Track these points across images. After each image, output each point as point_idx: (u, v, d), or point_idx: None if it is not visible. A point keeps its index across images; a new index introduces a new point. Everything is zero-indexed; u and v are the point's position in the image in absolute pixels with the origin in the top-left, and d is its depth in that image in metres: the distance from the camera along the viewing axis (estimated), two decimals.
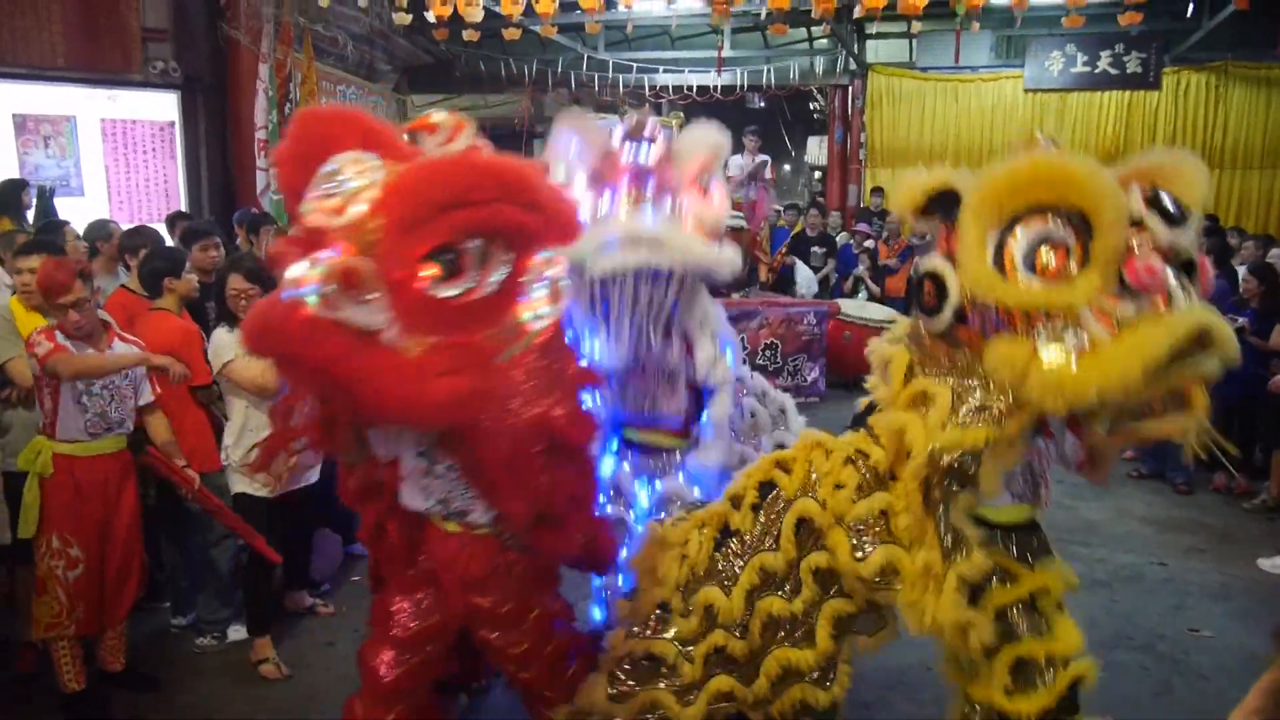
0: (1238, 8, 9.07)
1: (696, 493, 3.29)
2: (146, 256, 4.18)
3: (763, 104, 16.87)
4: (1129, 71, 12.00)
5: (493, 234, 2.13)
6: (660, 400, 3.34)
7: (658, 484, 3.33)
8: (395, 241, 1.98)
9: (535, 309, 2.27)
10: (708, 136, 3.20)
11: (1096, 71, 12.08)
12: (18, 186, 6.59)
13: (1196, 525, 5.78)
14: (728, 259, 3.07)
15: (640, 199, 2.98)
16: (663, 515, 3.26)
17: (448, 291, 2.06)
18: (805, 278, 10.07)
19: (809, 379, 8.71)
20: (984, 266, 2.04)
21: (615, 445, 3.42)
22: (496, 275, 2.17)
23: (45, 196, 6.82)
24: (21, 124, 7.96)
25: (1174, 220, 1.98)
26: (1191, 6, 10.44)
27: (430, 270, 2.02)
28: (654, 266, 2.90)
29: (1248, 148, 12.18)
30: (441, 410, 2.06)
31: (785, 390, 9.16)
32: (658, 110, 13.88)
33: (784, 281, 10.01)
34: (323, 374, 2.00)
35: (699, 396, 3.37)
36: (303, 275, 1.94)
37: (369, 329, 1.99)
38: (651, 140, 3.05)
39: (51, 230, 5.02)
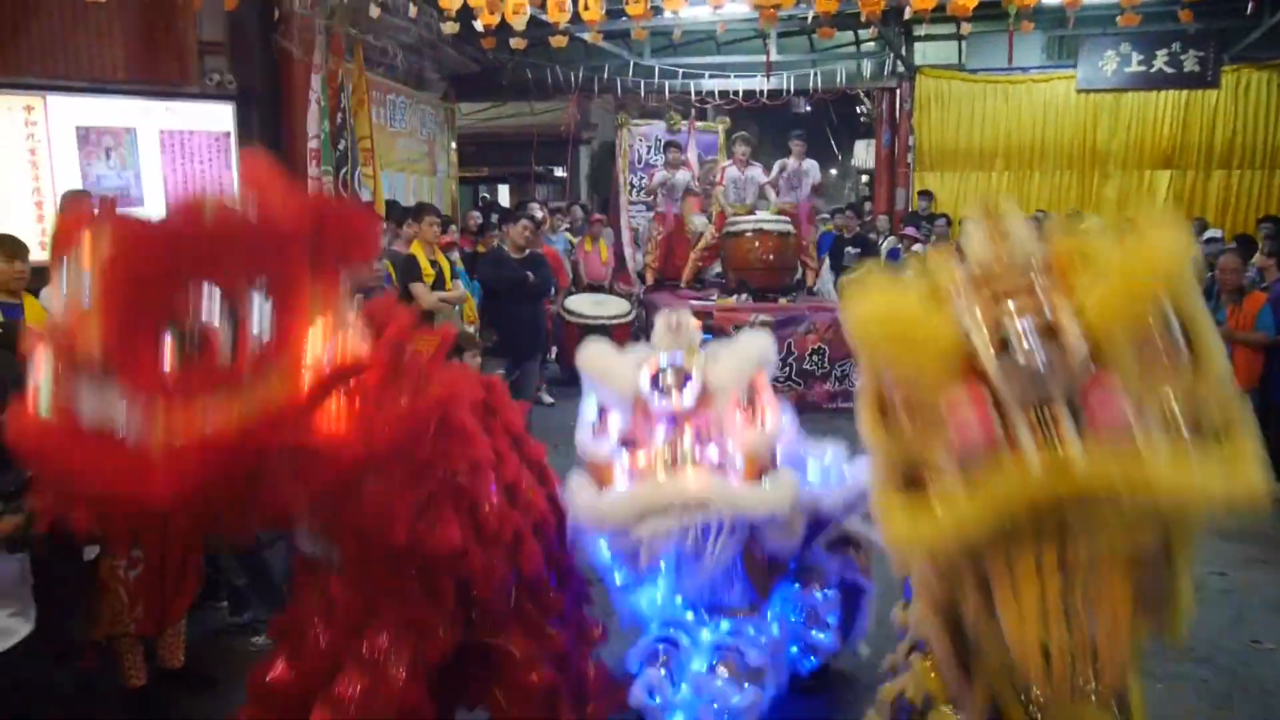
0: None
1: (754, 657, 3.03)
2: None
3: (809, 108, 16.79)
4: (1186, 70, 11.72)
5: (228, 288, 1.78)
6: (719, 589, 3.11)
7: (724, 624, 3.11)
8: (112, 324, 1.70)
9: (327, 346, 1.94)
10: (750, 347, 2.97)
11: (1152, 71, 11.82)
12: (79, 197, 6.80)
13: (1259, 535, 5.62)
14: (778, 498, 2.80)
15: (678, 456, 2.75)
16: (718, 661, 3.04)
17: (202, 363, 1.75)
18: (824, 280, 10.13)
19: (857, 383, 8.63)
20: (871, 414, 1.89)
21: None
22: (260, 325, 1.81)
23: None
24: (85, 136, 8.19)
25: (1029, 358, 1.61)
26: (1251, 4, 10.15)
27: (167, 347, 1.72)
28: (701, 523, 2.70)
29: None
30: (170, 501, 1.72)
31: (832, 396, 9.04)
32: (703, 116, 13.90)
33: None
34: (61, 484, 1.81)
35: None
36: (36, 377, 1.75)
37: (110, 424, 1.72)
38: (683, 383, 2.80)
39: None
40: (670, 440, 2.77)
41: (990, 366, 1.63)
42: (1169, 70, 11.76)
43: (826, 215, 12.16)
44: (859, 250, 10.40)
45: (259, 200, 1.90)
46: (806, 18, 10.92)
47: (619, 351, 3.01)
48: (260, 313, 1.81)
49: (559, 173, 17.39)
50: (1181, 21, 9.98)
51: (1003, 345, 1.62)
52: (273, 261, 1.84)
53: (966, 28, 10.52)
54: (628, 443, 2.83)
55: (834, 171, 20.77)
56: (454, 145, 13.13)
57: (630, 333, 9.71)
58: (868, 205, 13.27)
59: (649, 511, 2.70)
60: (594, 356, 2.98)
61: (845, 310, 1.83)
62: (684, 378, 2.80)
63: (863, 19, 9.79)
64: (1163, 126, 12.22)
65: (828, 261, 10.43)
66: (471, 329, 6.69)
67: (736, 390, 2.86)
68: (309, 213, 1.96)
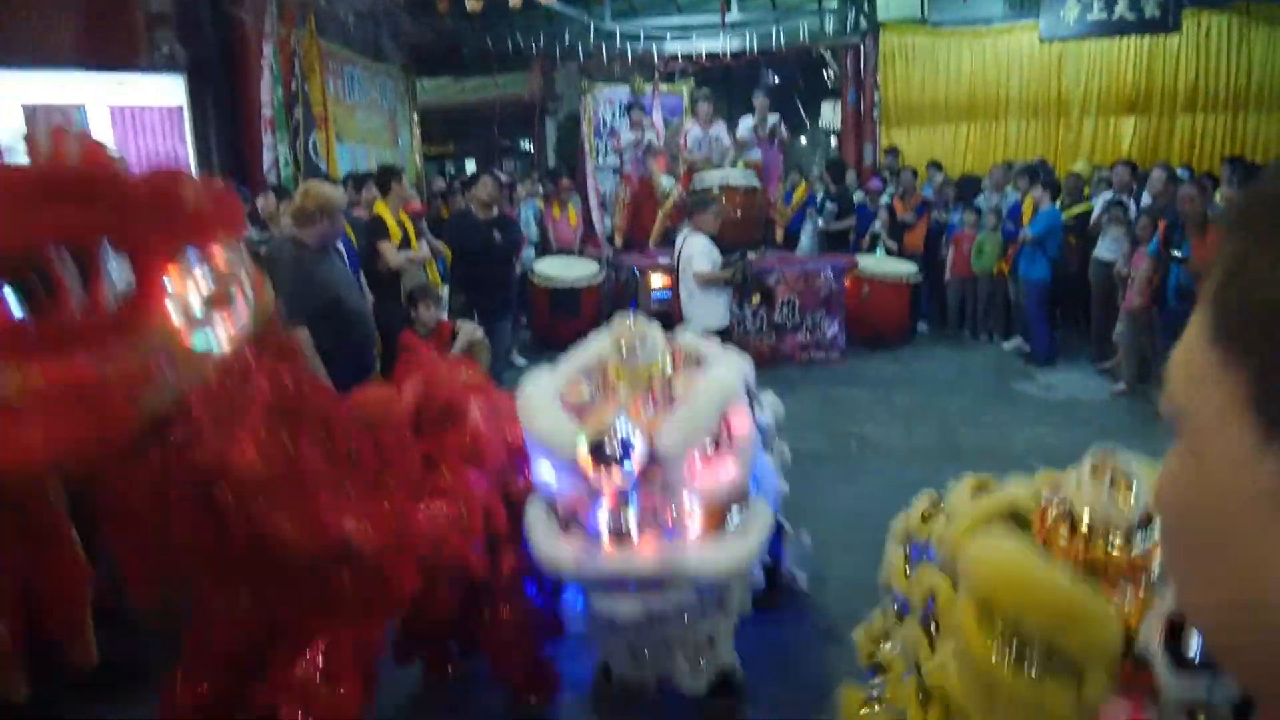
0: None
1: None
2: None
3: (776, 80, 16.70)
4: (1147, 15, 11.66)
5: (65, 240, 1.66)
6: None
7: None
8: None
9: (194, 324, 1.76)
10: (707, 400, 2.61)
11: (1114, 17, 11.77)
12: None
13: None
14: (737, 556, 2.59)
15: (623, 527, 2.52)
16: None
17: (42, 315, 1.61)
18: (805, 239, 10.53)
19: (828, 335, 8.62)
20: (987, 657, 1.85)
21: None
22: (114, 284, 1.71)
23: None
24: (32, 114, 7.99)
25: (1191, 670, 1.54)
26: None
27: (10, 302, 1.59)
28: (660, 607, 2.57)
29: (1273, 90, 11.87)
30: (42, 461, 1.56)
31: (805, 348, 9.01)
32: (670, 79, 13.76)
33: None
34: None
35: None
36: None
37: None
38: (626, 451, 2.45)
39: None
40: (614, 512, 2.52)
41: (1164, 673, 1.61)
42: (1130, 16, 11.71)
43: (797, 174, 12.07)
44: (837, 209, 10.43)
45: (102, 163, 1.73)
46: None
47: (555, 402, 2.67)
48: (114, 273, 1.69)
49: (526, 146, 17.24)
50: None
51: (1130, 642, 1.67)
52: (123, 222, 1.70)
53: None
54: (570, 511, 2.61)
55: (803, 139, 20.66)
56: (416, 118, 12.94)
57: (599, 294, 9.63)
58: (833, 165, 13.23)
59: (599, 584, 2.57)
60: (531, 410, 2.63)
61: (974, 563, 1.91)
62: (627, 447, 2.46)
63: None
64: (1126, 73, 12.22)
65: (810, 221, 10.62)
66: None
67: (691, 455, 2.57)
68: (161, 179, 1.83)
